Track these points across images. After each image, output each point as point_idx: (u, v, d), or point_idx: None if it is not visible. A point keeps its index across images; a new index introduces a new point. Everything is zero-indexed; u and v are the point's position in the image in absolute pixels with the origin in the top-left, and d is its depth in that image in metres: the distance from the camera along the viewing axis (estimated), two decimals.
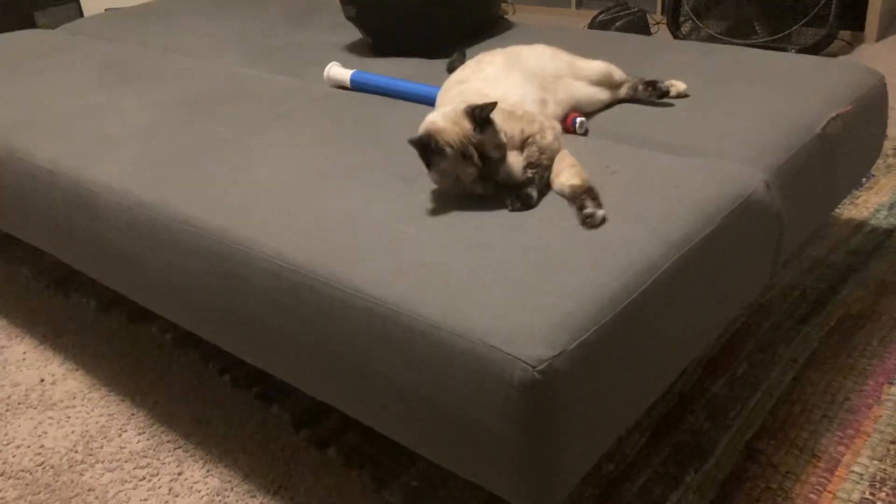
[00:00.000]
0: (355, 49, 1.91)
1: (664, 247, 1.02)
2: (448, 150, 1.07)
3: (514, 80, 1.29)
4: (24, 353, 1.68)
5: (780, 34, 2.86)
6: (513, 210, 1.09)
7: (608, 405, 0.96)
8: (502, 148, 1.09)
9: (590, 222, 1.04)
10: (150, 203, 1.27)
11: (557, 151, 1.17)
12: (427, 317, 0.93)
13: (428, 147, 1.08)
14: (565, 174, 1.13)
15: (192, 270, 1.20)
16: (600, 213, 1.05)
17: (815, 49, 2.83)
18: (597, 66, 1.42)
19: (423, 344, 0.93)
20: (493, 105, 1.07)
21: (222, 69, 1.84)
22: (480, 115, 1.07)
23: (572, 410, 0.89)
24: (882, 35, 3.06)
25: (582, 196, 1.08)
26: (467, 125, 1.07)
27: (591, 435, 0.95)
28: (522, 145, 1.15)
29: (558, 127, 1.26)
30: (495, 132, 1.09)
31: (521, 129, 1.15)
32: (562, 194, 1.12)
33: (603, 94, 1.42)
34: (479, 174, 1.09)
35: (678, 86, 1.44)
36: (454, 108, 1.10)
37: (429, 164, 1.10)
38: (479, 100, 1.11)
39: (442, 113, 1.11)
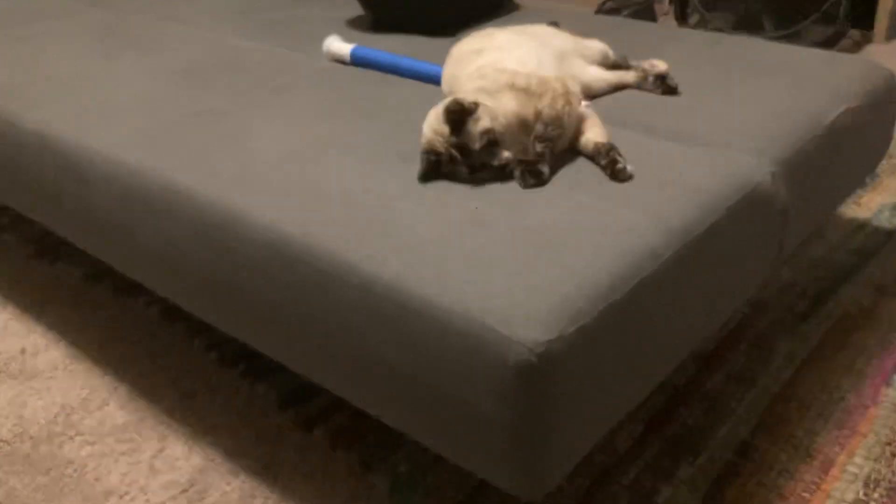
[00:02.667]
0: (357, 25, 1.88)
1: (667, 234, 0.99)
2: (434, 158, 1.10)
3: (529, 46, 1.27)
4: (6, 321, 1.65)
5: (789, 30, 2.83)
6: (525, 187, 1.08)
7: (604, 392, 0.93)
8: (487, 134, 1.08)
9: (621, 175, 1.07)
10: (142, 171, 1.23)
11: (569, 115, 1.14)
12: (422, 295, 0.90)
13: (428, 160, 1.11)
14: (591, 132, 1.14)
15: (183, 241, 1.17)
16: (630, 167, 1.08)
17: (822, 47, 2.80)
18: (596, 44, 1.44)
19: (418, 322, 0.90)
20: (464, 109, 1.08)
21: (221, 40, 1.81)
22: (451, 119, 1.08)
23: (567, 396, 0.87)
24: (892, 35, 3.03)
25: (610, 152, 1.10)
26: (446, 129, 1.09)
27: (585, 422, 0.92)
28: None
29: (573, 87, 1.22)
30: (476, 123, 1.08)
31: (535, 107, 1.13)
32: (585, 152, 1.14)
33: (608, 76, 1.39)
34: (472, 166, 1.09)
35: (659, 65, 1.43)
36: (437, 111, 1.12)
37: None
38: (495, 74, 1.16)
39: (431, 118, 1.13)
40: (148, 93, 1.50)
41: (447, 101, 1.10)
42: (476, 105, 1.09)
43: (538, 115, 1.12)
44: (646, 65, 1.43)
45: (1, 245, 1.92)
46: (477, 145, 1.07)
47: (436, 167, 1.10)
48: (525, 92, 1.14)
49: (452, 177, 1.10)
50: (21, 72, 1.64)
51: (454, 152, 1.08)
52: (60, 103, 1.48)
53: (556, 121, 1.12)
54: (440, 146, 1.09)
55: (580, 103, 1.20)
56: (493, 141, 1.08)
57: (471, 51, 1.28)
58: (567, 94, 1.15)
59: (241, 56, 1.69)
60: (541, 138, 1.11)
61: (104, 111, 1.43)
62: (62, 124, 1.40)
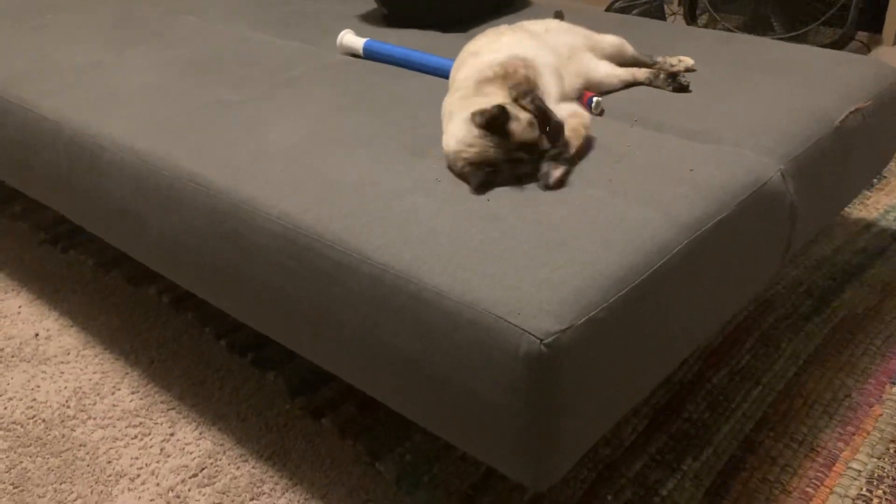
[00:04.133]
0: (370, 19, 1.89)
1: (676, 229, 1.00)
2: (489, 169, 1.06)
3: (526, 46, 1.27)
4: (20, 306, 1.66)
5: (797, 32, 2.84)
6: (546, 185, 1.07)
7: (612, 384, 0.94)
8: (533, 125, 1.07)
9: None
10: (155, 159, 1.25)
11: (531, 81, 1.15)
12: (434, 285, 0.91)
13: (476, 177, 1.07)
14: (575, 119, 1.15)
15: (196, 229, 1.18)
16: (555, 173, 1.05)
17: (831, 49, 2.80)
18: (611, 39, 1.45)
19: (429, 312, 0.91)
20: (506, 113, 1.06)
21: (234, 33, 1.82)
22: (494, 125, 1.05)
23: (576, 387, 0.88)
24: None
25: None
26: (495, 139, 1.06)
27: (593, 414, 0.93)
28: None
29: (531, 63, 1.21)
30: (517, 122, 1.06)
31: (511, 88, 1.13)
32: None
33: (620, 72, 1.40)
34: (531, 161, 1.07)
35: (686, 60, 1.46)
36: (465, 126, 1.08)
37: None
38: (465, 81, 1.16)
39: (458, 136, 1.09)
40: (161, 83, 1.51)
41: (478, 110, 1.06)
42: (502, 106, 1.06)
43: (520, 94, 1.12)
44: (673, 60, 1.46)
45: (15, 232, 1.94)
46: (541, 139, 1.06)
47: (491, 178, 1.07)
48: (502, 79, 1.15)
49: (506, 181, 1.07)
50: (36, 61, 1.66)
51: (521, 154, 1.06)
52: (74, 92, 1.49)
53: (536, 90, 1.13)
54: (498, 154, 1.06)
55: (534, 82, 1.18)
56: (545, 126, 1.08)
57: (470, 52, 1.29)
58: (528, 66, 1.17)
59: (254, 48, 1.70)
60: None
61: (117, 100, 1.45)
62: (76, 112, 1.42)
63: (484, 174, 1.06)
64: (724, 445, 1.26)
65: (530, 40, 1.30)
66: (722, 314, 1.17)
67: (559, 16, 1.55)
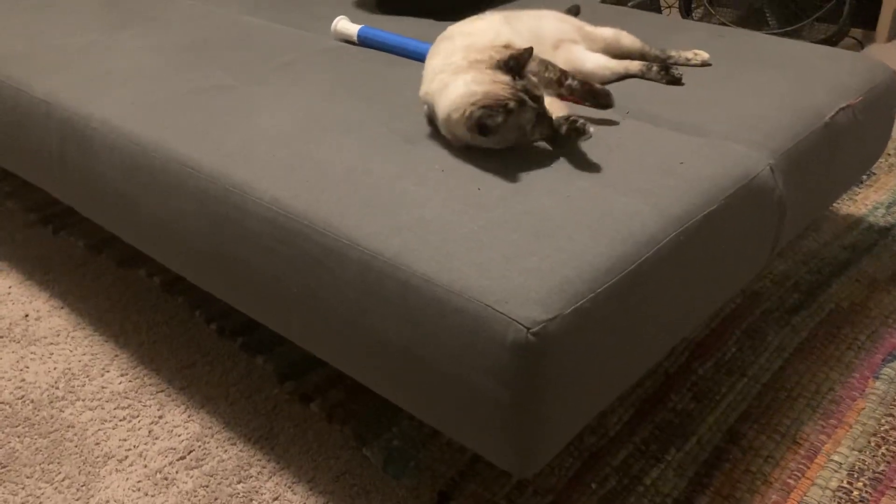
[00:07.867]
0: (364, 5, 1.89)
1: (664, 221, 1.01)
2: (509, 105, 1.06)
3: (500, 31, 1.27)
4: (10, 287, 1.66)
5: (792, 27, 2.84)
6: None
7: (598, 374, 0.95)
8: (538, 86, 1.11)
9: (581, 127, 1.08)
10: (147, 142, 1.25)
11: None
12: (422, 273, 0.92)
13: (492, 119, 1.06)
14: (553, 108, 1.15)
15: (186, 212, 1.18)
16: (592, 128, 1.09)
17: (824, 45, 2.80)
18: (606, 32, 1.45)
19: (417, 299, 0.92)
20: (526, 53, 1.10)
21: (228, 16, 1.81)
22: (516, 66, 1.10)
23: (562, 376, 0.89)
24: (893, 35, 3.04)
25: (570, 117, 1.11)
26: (506, 78, 1.09)
27: (578, 402, 0.94)
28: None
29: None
30: (530, 75, 1.12)
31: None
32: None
33: (613, 64, 1.40)
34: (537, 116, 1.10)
35: (701, 54, 1.47)
36: (477, 75, 1.10)
37: (491, 132, 1.07)
38: (450, 57, 1.18)
39: (469, 84, 1.09)
40: (154, 66, 1.51)
41: (501, 51, 1.12)
42: (528, 48, 1.11)
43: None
44: (688, 53, 1.47)
45: (5, 212, 1.93)
46: (539, 91, 1.10)
47: (503, 125, 1.06)
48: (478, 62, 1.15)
49: (519, 136, 1.09)
50: (30, 41, 1.65)
51: (525, 97, 1.07)
52: (67, 73, 1.49)
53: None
54: (507, 91, 1.06)
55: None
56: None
57: (444, 38, 1.29)
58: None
59: (248, 32, 1.70)
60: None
61: (109, 82, 1.44)
62: (68, 94, 1.41)
63: (501, 113, 1.05)
64: (708, 436, 1.27)
65: (504, 26, 1.29)
66: (709, 307, 1.18)
67: (573, 10, 1.55)
